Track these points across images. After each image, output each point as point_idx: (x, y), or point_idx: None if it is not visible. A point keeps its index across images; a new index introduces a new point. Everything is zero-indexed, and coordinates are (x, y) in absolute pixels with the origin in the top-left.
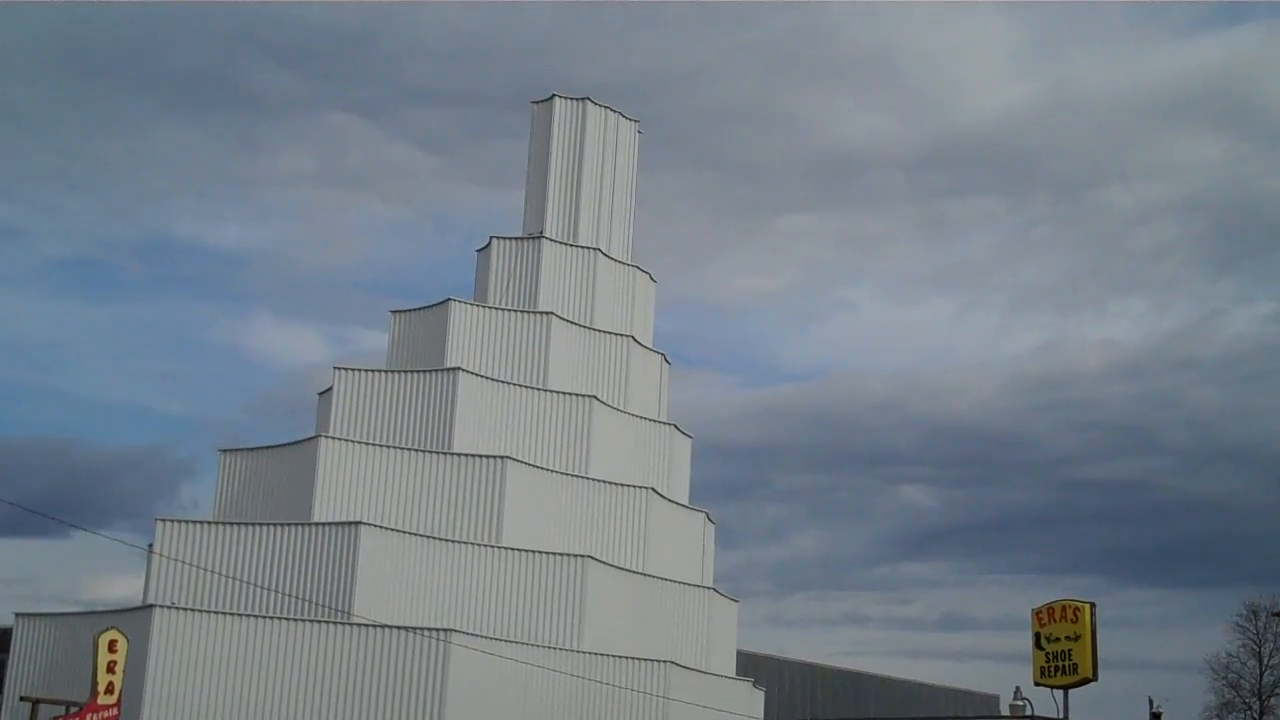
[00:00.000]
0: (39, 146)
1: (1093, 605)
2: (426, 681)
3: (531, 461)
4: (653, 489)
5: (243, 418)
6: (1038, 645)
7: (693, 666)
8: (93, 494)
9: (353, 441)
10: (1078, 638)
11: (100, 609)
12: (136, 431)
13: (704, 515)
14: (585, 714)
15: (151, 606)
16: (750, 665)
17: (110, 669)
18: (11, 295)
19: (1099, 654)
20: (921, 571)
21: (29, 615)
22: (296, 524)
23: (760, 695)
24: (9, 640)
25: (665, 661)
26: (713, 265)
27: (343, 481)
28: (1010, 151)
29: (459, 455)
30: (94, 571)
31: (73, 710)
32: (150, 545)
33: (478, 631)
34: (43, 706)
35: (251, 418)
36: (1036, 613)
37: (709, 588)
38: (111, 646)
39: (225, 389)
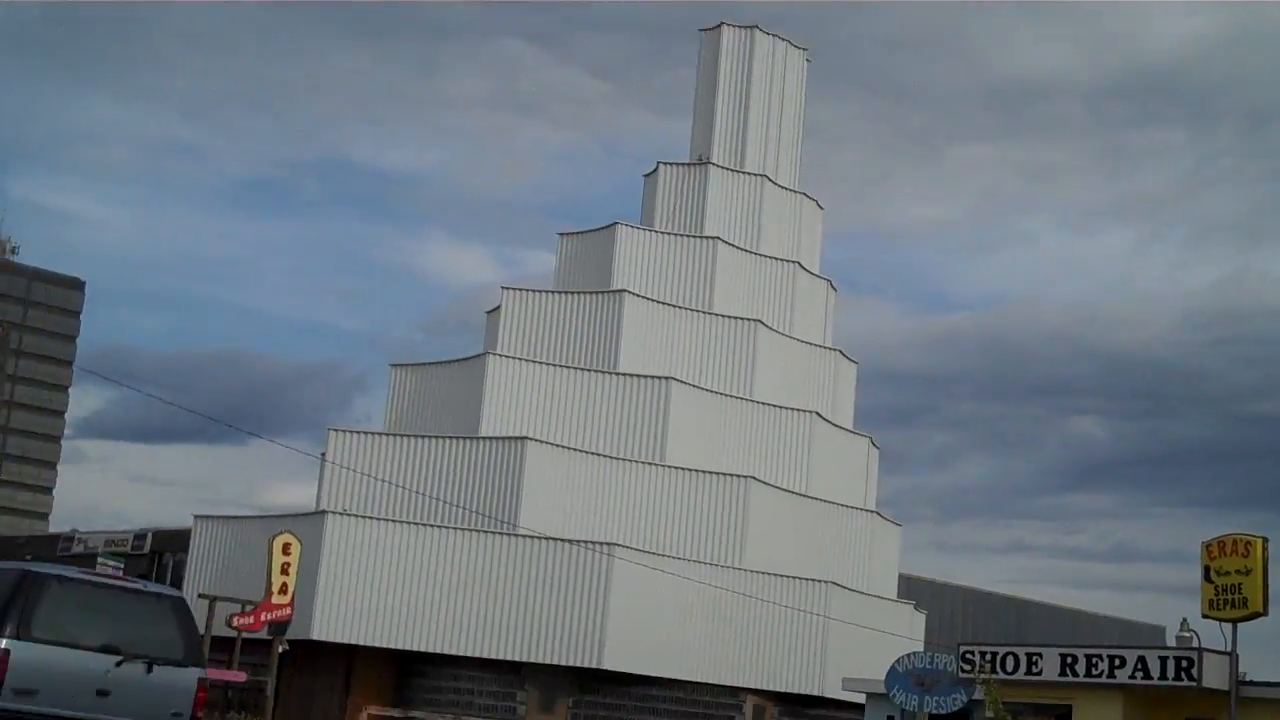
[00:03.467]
0: (220, 69)
1: (1265, 540)
2: (589, 594)
3: (696, 383)
4: (817, 413)
5: (415, 334)
6: (1206, 578)
7: (854, 588)
8: (270, 405)
9: (520, 359)
10: (1248, 572)
11: (275, 513)
12: (313, 346)
13: (868, 440)
14: (746, 630)
15: (324, 512)
16: (912, 589)
17: (284, 570)
18: (194, 212)
19: (1269, 589)
20: (1090, 502)
21: (207, 517)
22: (464, 437)
23: (921, 618)
24: (188, 541)
25: (827, 582)
26: (883, 193)
27: (510, 397)
28: (1194, 82)
29: (624, 375)
30: (270, 478)
31: (249, 608)
32: (323, 454)
33: (641, 547)
34: (220, 604)
35: (424, 335)
36: (1207, 546)
37: (872, 511)
38: (286, 549)
39: (399, 306)
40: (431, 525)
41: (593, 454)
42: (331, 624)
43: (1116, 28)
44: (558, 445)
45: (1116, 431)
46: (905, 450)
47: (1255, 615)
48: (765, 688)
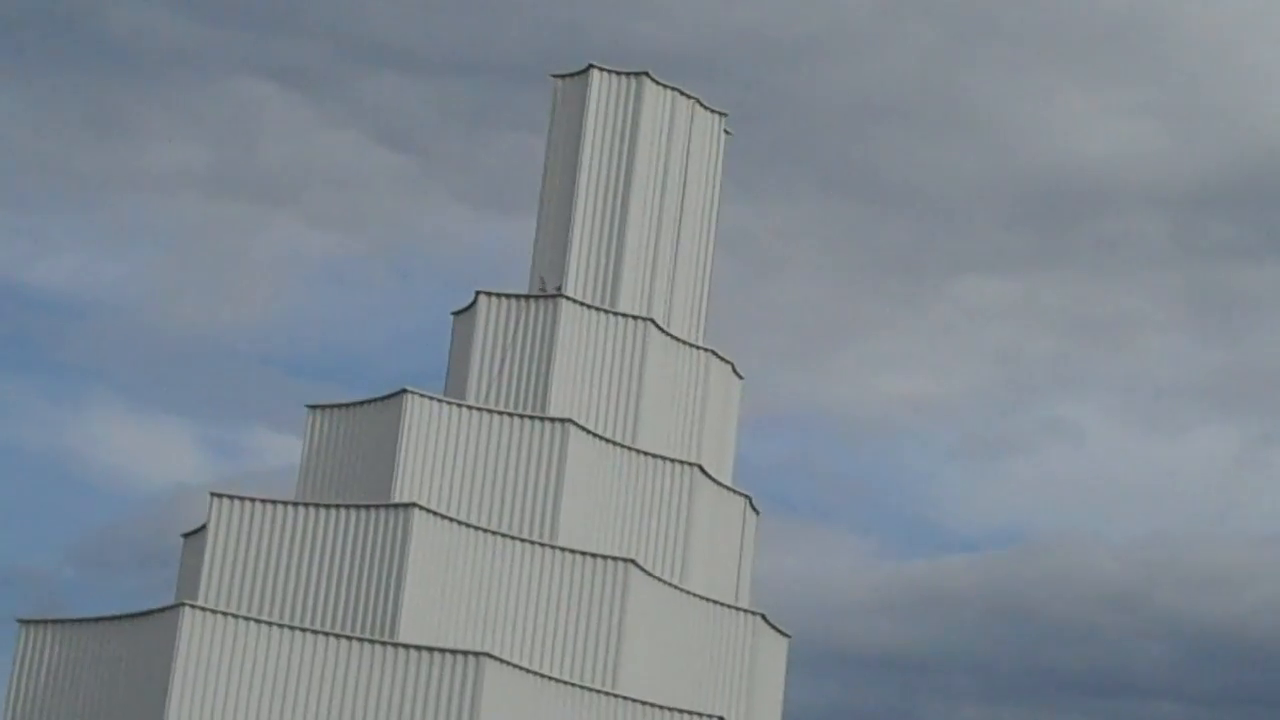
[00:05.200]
0: None
1: None
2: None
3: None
4: (721, 718)
5: (62, 570)
6: None
7: None
8: None
9: (234, 616)
10: None
11: None
12: None
13: None
14: None
15: None
16: None
17: None
18: None
19: None
20: None
21: None
22: None
23: None
24: None
25: None
26: (842, 356)
27: (213, 683)
28: None
29: (414, 650)
30: None
31: None
32: None
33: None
34: None
35: (76, 570)
36: None
37: None
38: None
39: (36, 522)
40: None
41: None
42: None
43: (1224, 99)
44: None
45: None
46: None
47: None
48: None
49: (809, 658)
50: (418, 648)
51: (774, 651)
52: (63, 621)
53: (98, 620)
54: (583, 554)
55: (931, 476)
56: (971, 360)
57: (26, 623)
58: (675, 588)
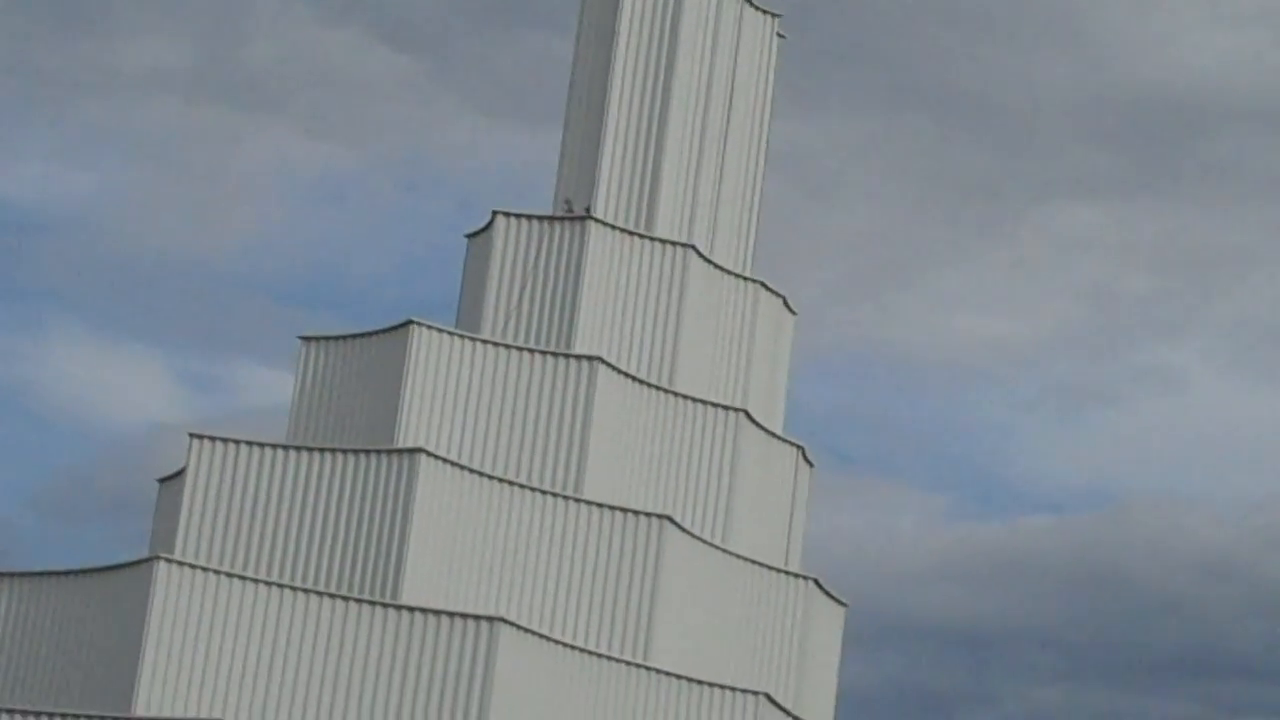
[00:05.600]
0: None
1: None
2: None
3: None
4: (766, 695)
5: (22, 517)
6: None
7: None
8: None
9: (211, 571)
10: None
11: None
12: None
13: None
14: None
15: None
16: None
17: None
18: None
19: None
20: None
21: None
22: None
23: None
24: None
25: None
26: (907, 291)
27: (186, 657)
28: None
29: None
30: None
31: None
32: None
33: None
34: None
35: (36, 517)
36: None
37: None
38: None
39: None
40: None
41: None
42: None
43: None
44: None
45: None
46: None
47: None
48: None
49: (867, 629)
50: (423, 611)
51: (828, 621)
52: (22, 575)
53: (62, 574)
54: (612, 509)
55: (1008, 429)
56: (1057, 299)
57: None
58: (716, 548)
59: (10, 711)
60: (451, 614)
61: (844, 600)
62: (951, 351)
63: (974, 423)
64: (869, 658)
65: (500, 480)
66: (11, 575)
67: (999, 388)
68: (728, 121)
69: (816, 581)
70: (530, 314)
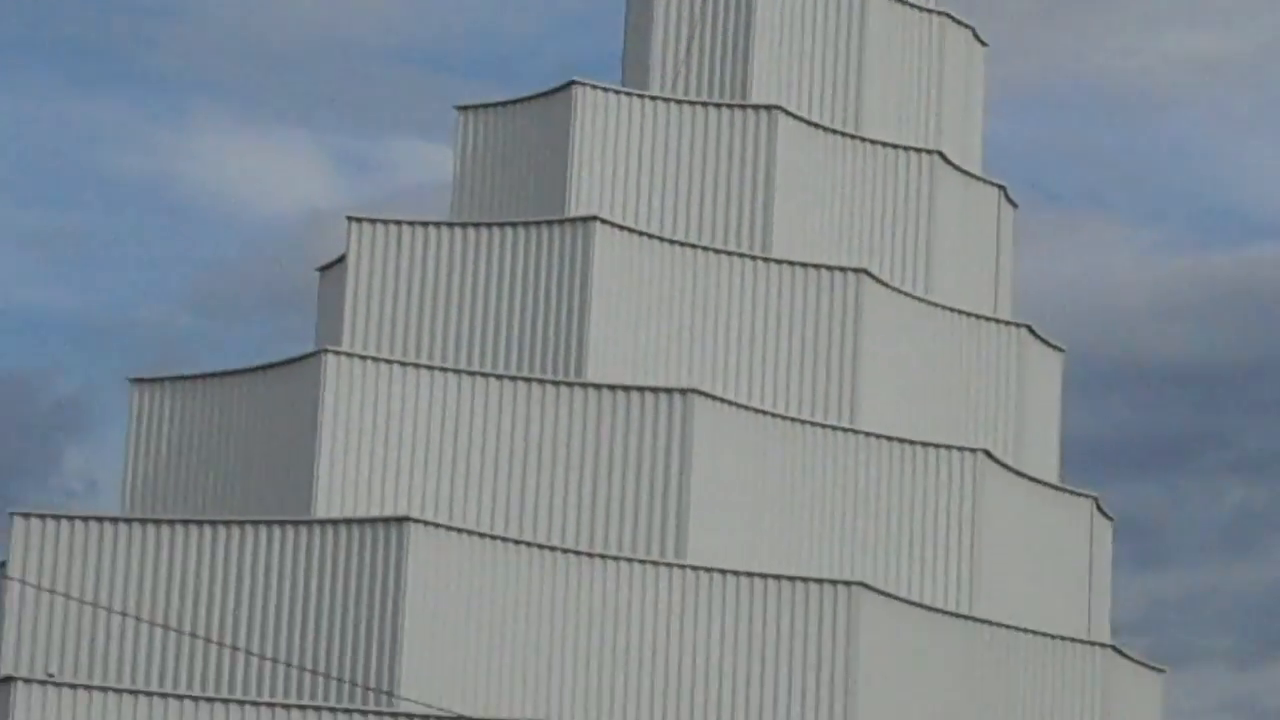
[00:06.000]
0: None
1: None
2: None
3: (741, 402)
4: (985, 451)
5: (179, 317)
6: None
7: None
8: None
9: (379, 360)
10: None
11: None
12: None
13: (1092, 503)
14: None
15: (10, 679)
16: None
17: None
18: None
19: None
20: None
21: None
22: (288, 523)
23: None
24: None
25: None
26: (1106, 8)
27: (368, 458)
28: None
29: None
30: None
31: None
32: (3, 563)
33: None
34: None
35: (194, 317)
36: None
37: (1106, 646)
38: None
39: (145, 263)
40: (221, 700)
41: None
42: None
43: None
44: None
45: None
46: (1161, 528)
47: None
48: None
49: (1088, 375)
50: (611, 388)
51: (1045, 369)
52: (183, 379)
53: (224, 375)
54: (804, 266)
55: (1226, 153)
56: (1274, 8)
57: (140, 382)
58: (919, 300)
59: (184, 523)
60: (641, 388)
61: (1060, 345)
62: (1158, 74)
63: (1188, 148)
64: (1092, 405)
65: (682, 244)
66: (173, 379)
67: (1213, 109)
68: None
69: (1029, 328)
70: (701, 65)
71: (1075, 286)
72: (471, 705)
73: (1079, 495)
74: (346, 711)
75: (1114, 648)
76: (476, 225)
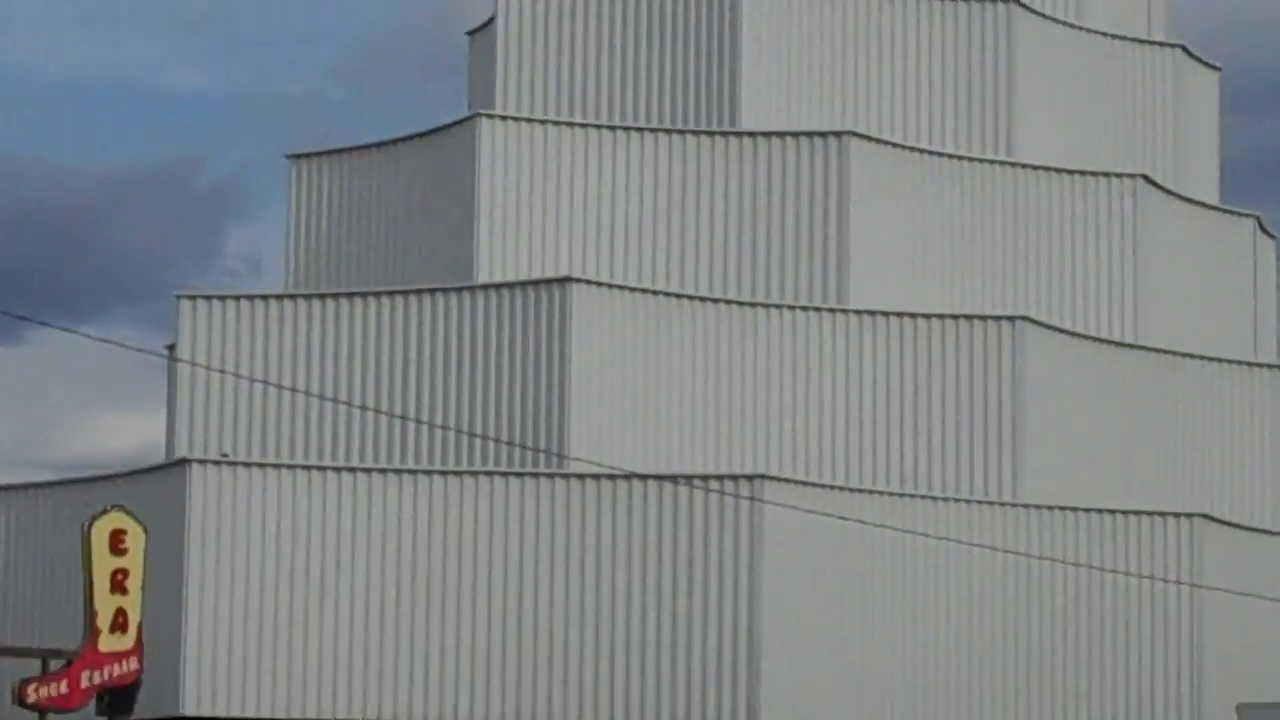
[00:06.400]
0: None
1: None
2: None
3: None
4: (1144, 177)
5: (329, 89)
6: None
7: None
8: (50, 259)
9: (535, 122)
10: None
11: (90, 473)
12: (123, 133)
13: (1254, 223)
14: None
15: (185, 461)
16: None
17: (118, 585)
18: None
19: None
20: None
21: None
22: (452, 288)
23: None
24: None
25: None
26: None
27: (526, 202)
28: None
29: (749, 137)
30: (68, 403)
31: (54, 667)
32: (171, 347)
33: None
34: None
35: (344, 89)
36: None
37: (1273, 366)
38: (117, 543)
39: (291, 40)
40: (394, 471)
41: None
42: (224, 684)
43: None
44: (609, 286)
45: None
46: None
47: None
48: None
49: (1246, 92)
50: (765, 134)
51: (1202, 89)
52: (339, 151)
53: (380, 145)
54: (952, 0)
55: None
56: None
57: (297, 158)
58: (1071, 26)
59: (348, 296)
60: (796, 134)
61: (1216, 64)
62: None
63: None
64: (1251, 123)
65: None
66: (330, 153)
67: None
68: None
69: (1183, 48)
70: None
71: (1230, 3)
72: (640, 463)
73: (1241, 215)
74: (518, 475)
75: None
76: None
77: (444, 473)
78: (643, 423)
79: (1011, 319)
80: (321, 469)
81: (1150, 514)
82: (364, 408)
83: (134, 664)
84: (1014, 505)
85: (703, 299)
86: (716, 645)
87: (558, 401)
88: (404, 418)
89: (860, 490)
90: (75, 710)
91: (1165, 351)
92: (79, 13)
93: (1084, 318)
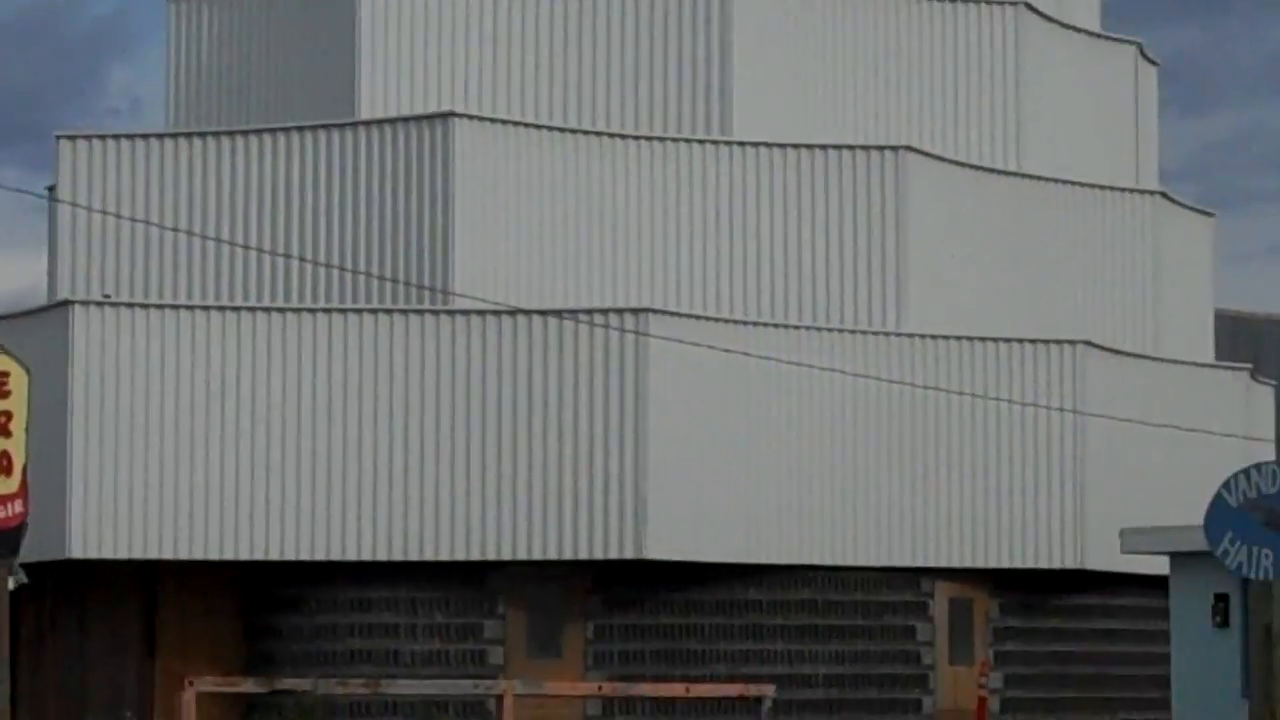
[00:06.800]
0: None
1: None
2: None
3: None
4: (1025, 4)
5: None
6: None
7: (1126, 349)
8: None
9: None
10: None
11: None
12: None
13: (1135, 50)
14: (917, 457)
15: (67, 303)
16: (1241, 337)
17: (1, 426)
18: None
19: None
20: None
21: None
22: (334, 124)
23: (1267, 395)
24: None
25: (1076, 342)
26: None
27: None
28: None
29: None
30: None
31: None
32: (51, 188)
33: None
34: None
35: None
36: None
37: (1153, 192)
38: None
39: None
40: (277, 310)
41: None
42: (109, 527)
43: None
44: (492, 121)
45: None
46: (1207, 72)
47: None
48: (968, 564)
49: None
50: None
51: None
52: None
53: None
54: None
55: None
56: None
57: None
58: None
59: (229, 134)
60: None
61: None
62: None
63: None
64: None
65: None
66: None
67: None
68: None
69: None
70: None
71: None
72: (525, 298)
73: (1122, 42)
74: (403, 312)
75: (1163, 194)
76: None
77: (328, 310)
78: (527, 258)
79: (894, 148)
80: (205, 308)
81: (1033, 341)
82: (247, 246)
83: (19, 507)
84: (898, 335)
85: (586, 132)
86: (604, 478)
87: (441, 238)
88: (287, 256)
89: (744, 322)
90: None
91: (1047, 179)
92: None
93: (966, 147)
